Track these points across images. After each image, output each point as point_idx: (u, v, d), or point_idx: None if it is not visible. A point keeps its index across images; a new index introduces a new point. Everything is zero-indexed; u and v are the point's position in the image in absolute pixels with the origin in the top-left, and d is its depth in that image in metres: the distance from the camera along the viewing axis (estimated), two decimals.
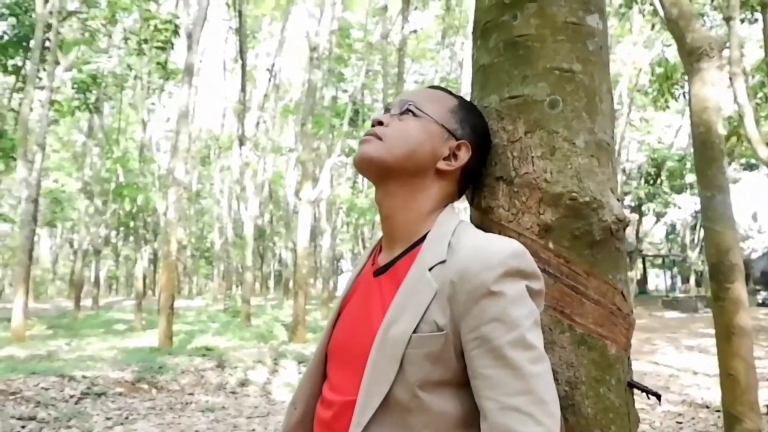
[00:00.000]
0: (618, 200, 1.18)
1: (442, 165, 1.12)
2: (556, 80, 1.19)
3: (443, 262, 1.00)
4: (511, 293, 0.94)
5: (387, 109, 1.18)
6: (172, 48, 14.96)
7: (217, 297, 31.44)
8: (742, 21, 11.53)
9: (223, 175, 34.01)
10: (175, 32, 14.06)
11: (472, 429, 0.96)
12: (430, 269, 1.00)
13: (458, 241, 1.02)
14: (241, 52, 18.22)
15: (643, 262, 37.15)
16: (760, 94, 15.49)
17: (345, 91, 30.23)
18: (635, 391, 1.17)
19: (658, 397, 1.12)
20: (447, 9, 20.31)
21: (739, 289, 3.60)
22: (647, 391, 1.12)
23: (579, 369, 1.09)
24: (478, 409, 0.95)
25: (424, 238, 1.07)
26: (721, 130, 3.75)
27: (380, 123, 1.14)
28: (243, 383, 8.64)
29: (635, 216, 32.84)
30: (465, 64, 18.96)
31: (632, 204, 32.66)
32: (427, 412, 0.96)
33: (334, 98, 26.55)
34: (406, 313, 0.98)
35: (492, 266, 0.95)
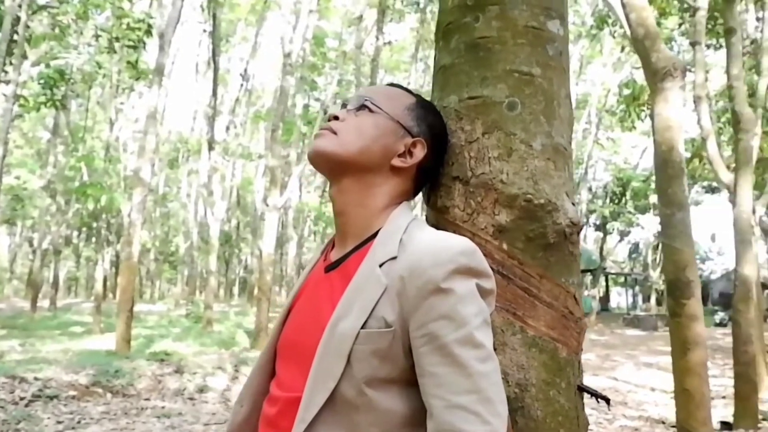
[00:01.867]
0: (573, 204, 1.18)
1: (396, 162, 1.10)
2: (515, 83, 1.19)
3: (394, 258, 0.99)
4: (461, 291, 0.93)
5: (344, 105, 1.16)
6: (144, 48, 14.77)
7: (180, 302, 31.02)
8: (708, 47, 11.82)
9: (191, 179, 33.65)
10: (148, 32, 13.88)
11: (418, 428, 0.95)
12: (380, 265, 0.99)
13: (410, 237, 1.01)
14: (214, 56, 18.07)
15: (606, 280, 37.67)
16: (722, 119, 15.88)
17: (317, 99, 30.21)
18: (590, 397, 1.16)
19: (607, 401, 1.12)
20: (422, 22, 20.44)
21: (695, 304, 3.66)
22: (596, 395, 1.12)
23: (530, 371, 1.09)
24: (425, 408, 0.94)
25: (376, 234, 1.06)
26: (683, 149, 3.82)
27: (336, 118, 1.13)
28: (202, 389, 8.50)
29: (600, 234, 33.35)
30: None
31: (597, 222, 33.17)
32: (374, 410, 0.94)
33: (306, 106, 26.51)
34: (355, 309, 0.96)
35: (442, 263, 0.94)
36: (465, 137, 1.18)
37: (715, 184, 26.17)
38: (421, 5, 21.34)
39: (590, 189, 29.63)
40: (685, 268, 3.71)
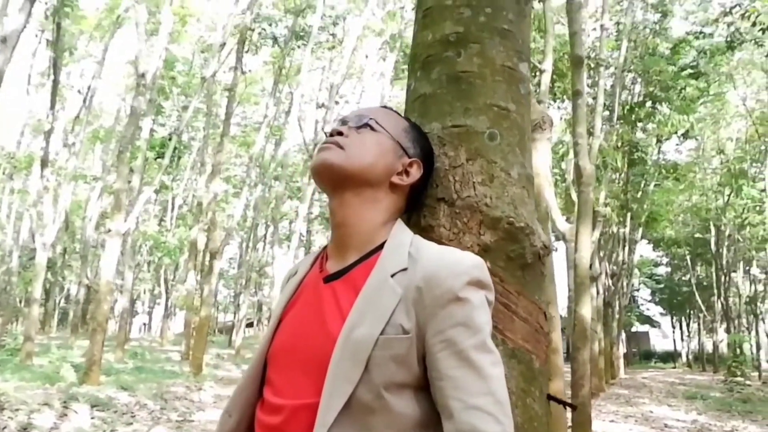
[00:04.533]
0: (542, 229, 1.30)
1: (396, 179, 1.16)
2: (494, 116, 1.30)
3: (404, 270, 1.04)
4: (475, 300, 1.01)
5: (343, 122, 1.20)
6: None
7: None
8: (548, 106, 13.02)
9: (13, 199, 30.78)
10: None
11: (426, 430, 1.00)
12: (392, 276, 1.03)
13: (417, 251, 1.07)
14: (55, 68, 16.86)
15: None
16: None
17: (162, 124, 29.08)
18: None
19: (574, 408, 1.23)
20: (281, 55, 20.51)
21: (556, 338, 3.99)
22: (563, 403, 1.22)
23: (510, 381, 1.17)
24: (434, 412, 1.00)
25: (379, 247, 1.10)
26: (550, 196, 4.18)
27: (339, 133, 1.16)
28: (25, 428, 7.69)
29: None
30: (292, 113, 19.16)
31: None
32: (390, 413, 0.98)
33: (152, 131, 25.41)
34: (369, 317, 1.00)
35: (458, 274, 1.01)
36: (449, 162, 1.27)
37: None
38: (279, 40, 21.45)
39: None
40: (548, 304, 4.03)
